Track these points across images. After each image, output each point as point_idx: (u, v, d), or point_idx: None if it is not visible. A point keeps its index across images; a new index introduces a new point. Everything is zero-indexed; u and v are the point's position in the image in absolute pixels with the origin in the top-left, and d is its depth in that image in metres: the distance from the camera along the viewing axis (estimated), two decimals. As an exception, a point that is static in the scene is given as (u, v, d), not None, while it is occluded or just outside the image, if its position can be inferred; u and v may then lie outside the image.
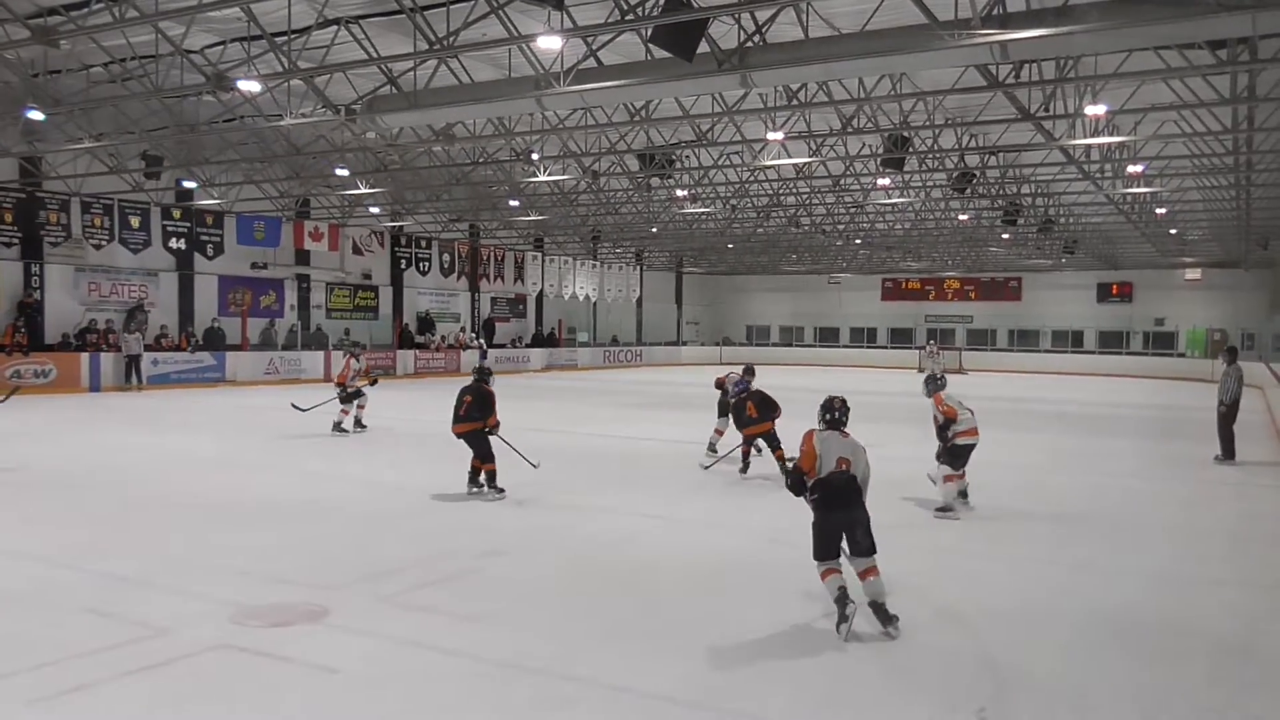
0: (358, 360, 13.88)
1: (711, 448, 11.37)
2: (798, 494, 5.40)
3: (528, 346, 33.59)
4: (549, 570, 6.47)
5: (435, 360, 28.27)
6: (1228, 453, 11.91)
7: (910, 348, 38.39)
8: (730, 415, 11.22)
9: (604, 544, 7.27)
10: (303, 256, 26.51)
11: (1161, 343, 36.75)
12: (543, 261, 34.60)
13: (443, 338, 30.09)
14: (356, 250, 27.94)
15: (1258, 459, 12.11)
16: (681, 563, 6.73)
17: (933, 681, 4.53)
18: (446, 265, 31.33)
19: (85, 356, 19.67)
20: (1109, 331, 37.86)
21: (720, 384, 12.22)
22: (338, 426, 13.54)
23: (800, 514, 7.56)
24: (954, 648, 5.04)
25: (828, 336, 43.08)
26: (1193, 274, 37.09)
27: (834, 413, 5.54)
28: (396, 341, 28.37)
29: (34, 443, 11.79)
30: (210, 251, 23.88)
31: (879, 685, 4.52)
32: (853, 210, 27.35)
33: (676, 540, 7.46)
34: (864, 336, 42.31)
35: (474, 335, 31.56)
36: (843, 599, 5.06)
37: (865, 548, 5.16)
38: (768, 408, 10.34)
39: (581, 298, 36.51)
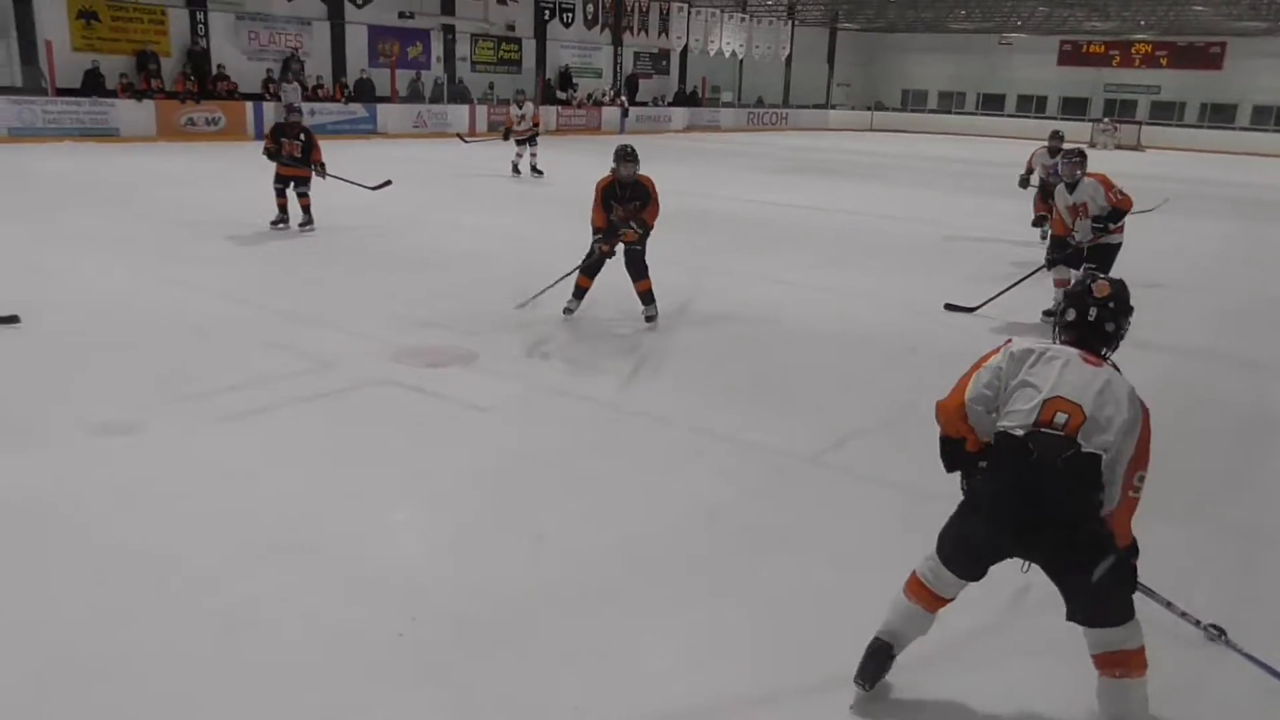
0: (519, 107, 15.50)
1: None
2: (949, 468, 2.68)
3: (669, 105, 32.68)
4: (684, 334, 6.65)
5: (577, 117, 27.98)
6: None
7: (1084, 119, 35.41)
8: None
9: (737, 307, 7.38)
10: (448, 6, 26.04)
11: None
12: (688, 13, 32.88)
13: (589, 95, 29.55)
14: (501, 0, 27.22)
15: None
16: (816, 329, 6.80)
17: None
18: (590, 16, 30.21)
19: (249, 105, 20.37)
20: (1323, 107, 33.69)
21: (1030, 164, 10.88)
22: (515, 168, 15.47)
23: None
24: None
25: (991, 104, 40.05)
26: None
27: (1084, 309, 2.56)
28: (540, 97, 28.09)
29: (208, 189, 12.55)
30: (359, -1, 23.74)
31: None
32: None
33: (812, 309, 7.49)
34: (1032, 105, 39.15)
35: (617, 91, 30.85)
36: (882, 654, 2.64)
37: (1092, 614, 2.45)
38: None
39: (728, 54, 34.82)
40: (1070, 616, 2.45)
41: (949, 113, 40.00)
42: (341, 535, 3.55)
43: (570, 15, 29.49)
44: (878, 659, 2.63)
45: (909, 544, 2.81)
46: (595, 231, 6.49)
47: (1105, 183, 6.93)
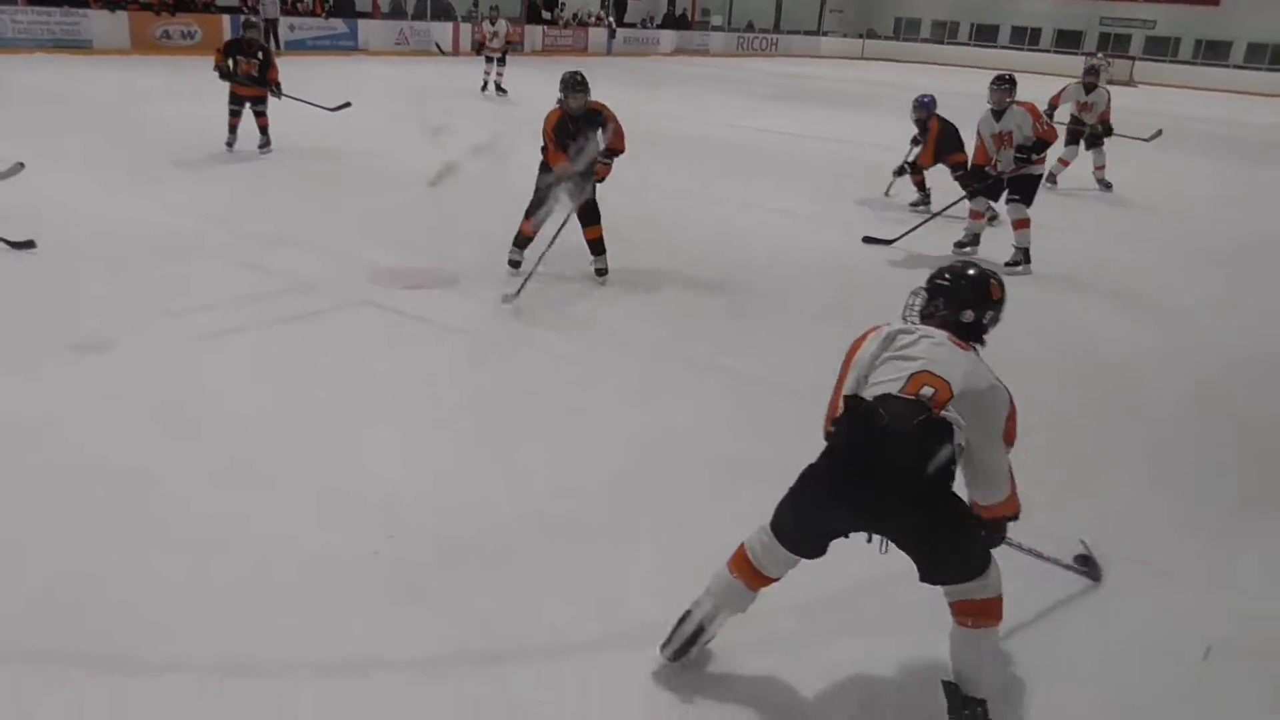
0: (492, 23, 15.40)
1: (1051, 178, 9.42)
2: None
3: (658, 28, 31.99)
4: (664, 261, 6.59)
5: (563, 37, 27.36)
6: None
7: (1077, 53, 34.90)
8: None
9: (717, 234, 7.31)
10: (431, -85, 25.23)
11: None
12: (681, -68, 32.00)
13: (575, 15, 28.84)
14: (486, -89, 26.37)
15: None
16: (798, 258, 6.77)
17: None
18: (580, -69, 29.32)
19: (227, 19, 19.75)
20: (1318, 49, 33.25)
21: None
22: (485, 85, 15.38)
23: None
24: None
25: (985, 35, 39.36)
26: None
27: (983, 313, 2.52)
28: (524, 15, 27.38)
29: (183, 105, 12.21)
30: (339, -92, 22.92)
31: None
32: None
33: (794, 236, 7.44)
34: (1026, 38, 38.53)
35: (605, 12, 30.14)
36: (688, 625, 2.51)
37: (946, 575, 2.34)
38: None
39: (720, -24, 34.04)
40: (924, 579, 2.33)
41: (941, 43, 39.34)
42: (319, 456, 3.54)
43: (558, -68, 28.64)
44: (683, 628, 2.50)
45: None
46: (554, 176, 5.61)
47: (1033, 112, 6.77)
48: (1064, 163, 9.99)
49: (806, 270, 6.58)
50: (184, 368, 4.26)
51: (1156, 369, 5.07)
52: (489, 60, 15.40)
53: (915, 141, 8.47)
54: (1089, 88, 9.82)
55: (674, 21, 33.01)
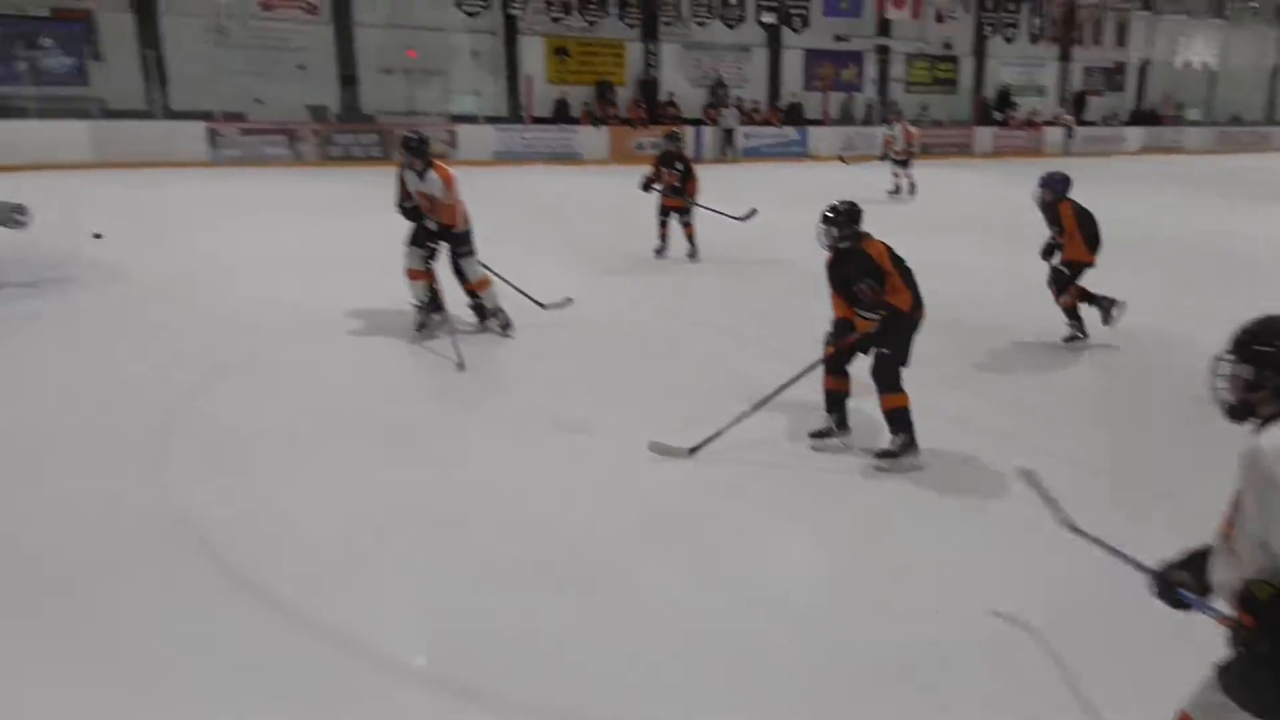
0: (890, 127, 15.91)
1: None
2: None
3: (1123, 125, 29.64)
4: (1088, 373, 5.93)
5: (1014, 138, 26.42)
6: None
7: None
8: None
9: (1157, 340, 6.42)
10: (884, 26, 25.99)
11: None
12: (1150, 21, 29.55)
13: (1032, 114, 27.75)
14: (939, 18, 26.56)
15: None
16: None
17: None
18: (1036, 30, 28.33)
19: (691, 130, 21.88)
20: None
21: None
22: (896, 188, 15.36)
23: None
24: None
25: None
26: None
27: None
28: (975, 117, 26.93)
29: (645, 208, 13.63)
30: (797, 24, 24.50)
31: None
32: None
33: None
34: None
35: (1065, 109, 28.64)
36: None
37: None
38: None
39: (1197, 65, 30.77)
40: None
41: None
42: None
43: (1014, 30, 27.94)
44: None
45: None
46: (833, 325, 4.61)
47: None
48: None
49: None
50: (650, 461, 4.53)
51: None
52: (894, 163, 15.51)
53: (1050, 248, 6.49)
54: None
55: (1142, 117, 30.39)
